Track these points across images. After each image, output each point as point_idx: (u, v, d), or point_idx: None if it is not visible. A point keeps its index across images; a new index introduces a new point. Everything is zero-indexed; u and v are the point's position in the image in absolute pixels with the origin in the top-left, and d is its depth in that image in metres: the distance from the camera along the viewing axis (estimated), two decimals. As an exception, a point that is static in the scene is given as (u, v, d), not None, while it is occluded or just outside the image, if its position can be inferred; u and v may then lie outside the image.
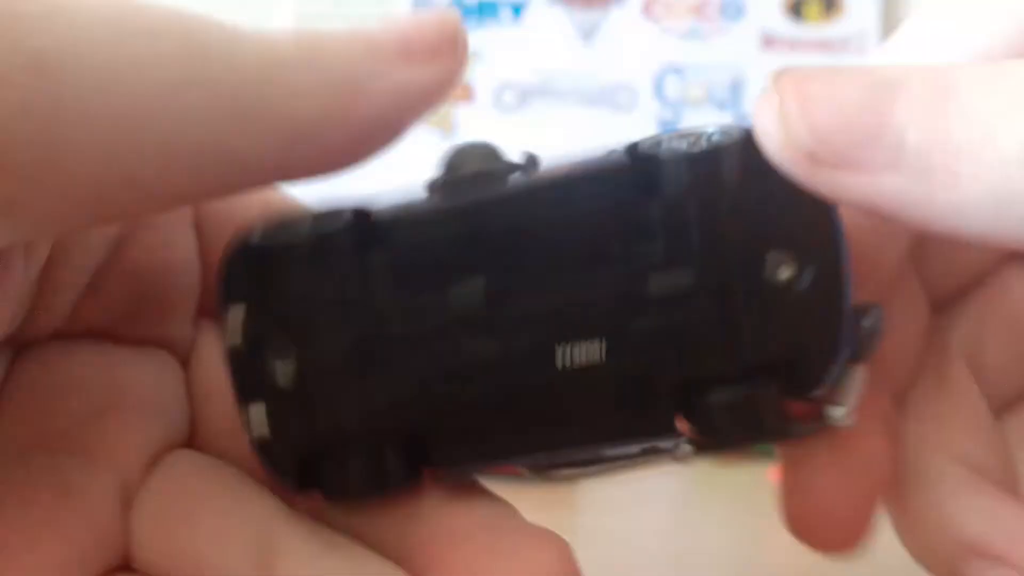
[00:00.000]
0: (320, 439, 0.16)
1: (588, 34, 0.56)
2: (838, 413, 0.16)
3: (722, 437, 0.16)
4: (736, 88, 0.55)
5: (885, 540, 0.31)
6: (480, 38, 0.56)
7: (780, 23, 0.56)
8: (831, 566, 0.27)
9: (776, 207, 0.16)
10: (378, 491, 0.16)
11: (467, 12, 0.56)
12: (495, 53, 0.56)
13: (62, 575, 0.16)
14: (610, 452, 0.16)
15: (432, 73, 0.16)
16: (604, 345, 0.15)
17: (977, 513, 0.19)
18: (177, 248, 0.18)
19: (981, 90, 0.14)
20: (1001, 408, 0.20)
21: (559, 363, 0.15)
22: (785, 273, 0.16)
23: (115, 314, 0.17)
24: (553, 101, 0.56)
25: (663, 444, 0.16)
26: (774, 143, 0.15)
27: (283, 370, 0.16)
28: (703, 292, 0.15)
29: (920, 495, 0.19)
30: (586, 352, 0.15)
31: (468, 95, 0.56)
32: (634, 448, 0.16)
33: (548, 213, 0.16)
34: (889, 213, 0.14)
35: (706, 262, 0.15)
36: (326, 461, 0.16)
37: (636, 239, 0.16)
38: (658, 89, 0.56)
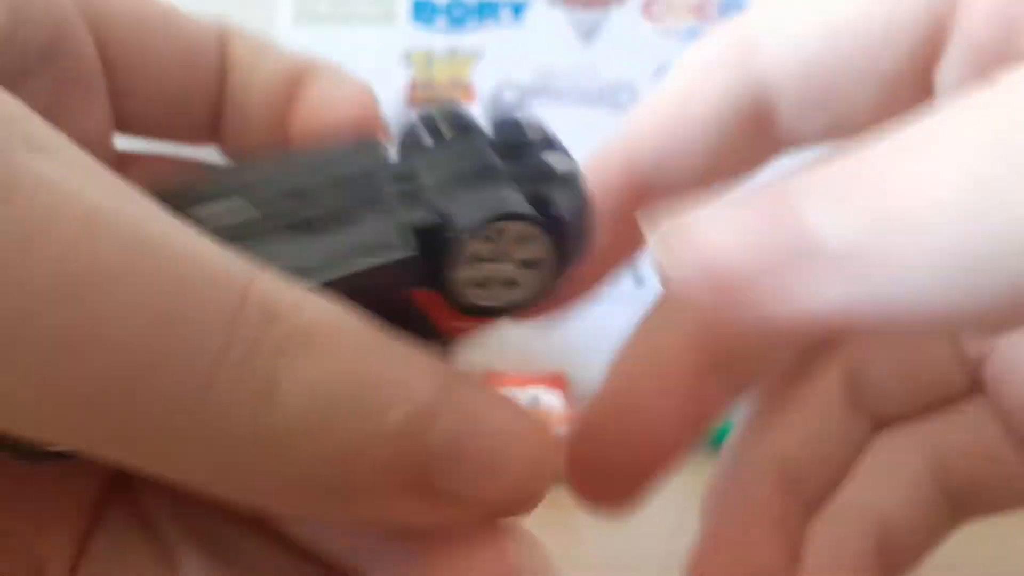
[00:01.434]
0: None
1: (588, 34, 0.56)
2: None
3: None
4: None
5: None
6: (480, 38, 0.56)
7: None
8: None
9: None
10: None
11: (467, 12, 0.56)
12: (495, 53, 0.56)
13: None
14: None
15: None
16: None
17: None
18: (92, 120, 0.18)
19: (895, 158, 0.12)
20: (879, 424, 0.20)
21: None
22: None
23: None
24: (553, 101, 0.56)
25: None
26: (678, 287, 0.14)
27: None
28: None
29: (726, 476, 0.20)
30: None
31: (469, 95, 0.56)
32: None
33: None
34: (840, 327, 0.13)
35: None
36: None
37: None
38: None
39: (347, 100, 0.21)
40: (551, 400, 0.48)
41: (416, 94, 0.56)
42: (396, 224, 0.15)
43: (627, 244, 0.18)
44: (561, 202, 0.15)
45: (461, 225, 0.14)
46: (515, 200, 0.15)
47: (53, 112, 0.17)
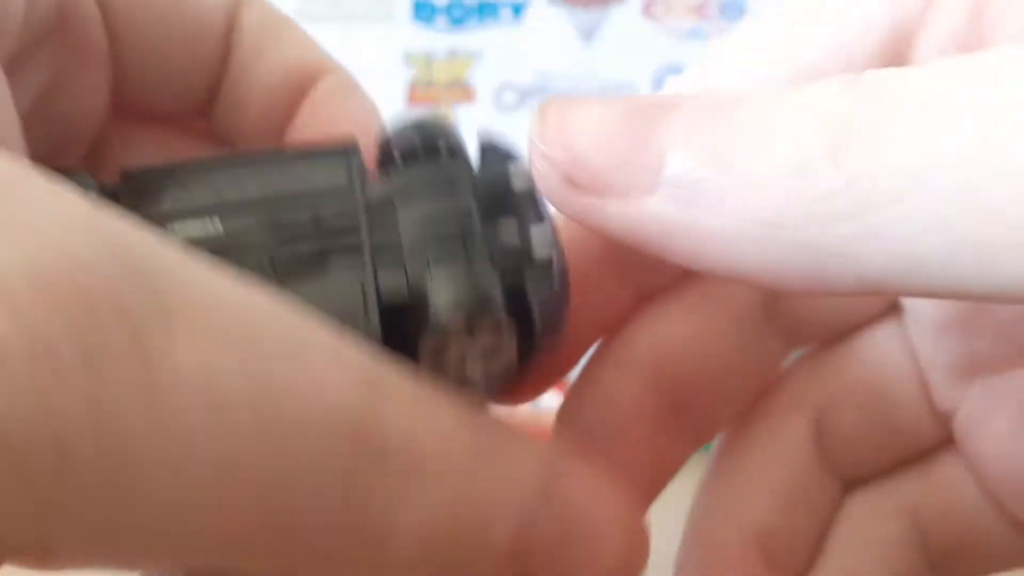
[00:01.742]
0: None
1: (588, 34, 0.56)
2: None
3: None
4: (736, 88, 0.55)
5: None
6: (480, 38, 0.56)
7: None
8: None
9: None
10: None
11: (467, 12, 0.56)
12: (495, 53, 0.56)
13: None
14: None
15: None
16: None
17: None
18: (95, 90, 0.18)
19: (759, 104, 0.12)
20: (851, 482, 0.19)
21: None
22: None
23: (39, 158, 0.18)
24: (553, 101, 0.56)
25: None
26: (535, 169, 0.14)
27: None
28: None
29: (694, 547, 0.19)
30: None
31: (468, 95, 0.56)
32: None
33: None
34: (653, 245, 0.13)
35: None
36: None
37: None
38: (658, 89, 0.56)
39: (351, 118, 0.20)
40: (551, 400, 0.48)
41: (416, 94, 0.56)
42: (364, 290, 0.14)
43: (609, 315, 0.18)
44: (535, 296, 0.15)
45: (435, 319, 0.14)
46: (491, 291, 0.14)
47: (59, 82, 0.17)
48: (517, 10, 0.56)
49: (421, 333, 0.14)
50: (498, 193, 0.16)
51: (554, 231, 0.15)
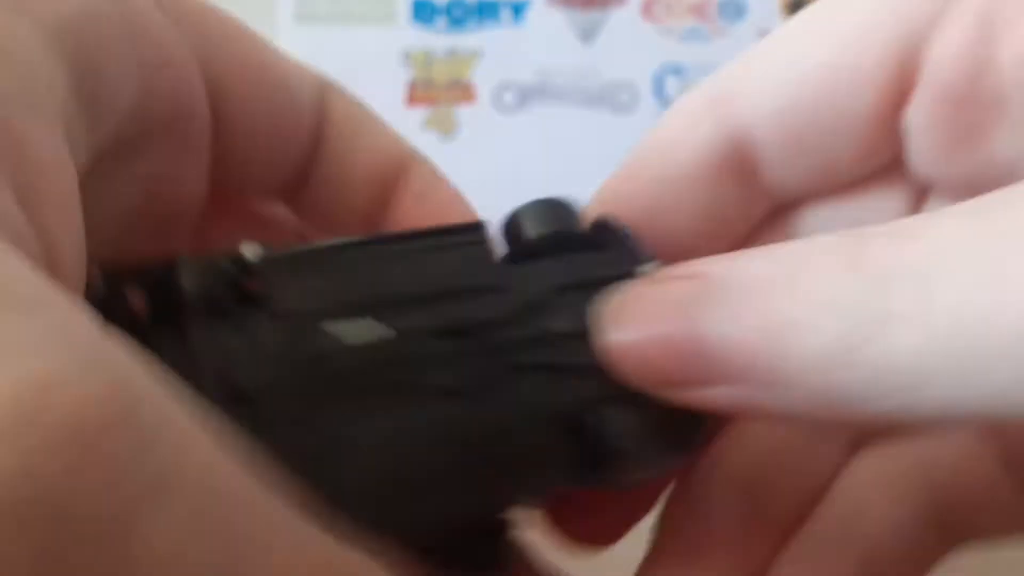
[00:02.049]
0: None
1: (588, 35, 0.56)
2: None
3: (634, 455, 0.16)
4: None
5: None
6: (480, 39, 0.56)
7: (780, 23, 0.56)
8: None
9: None
10: None
11: (467, 12, 0.56)
12: (495, 53, 0.56)
13: None
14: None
15: None
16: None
17: None
18: (198, 180, 0.18)
19: (780, 293, 0.14)
20: (858, 442, 0.19)
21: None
22: None
23: (145, 246, 0.18)
24: (553, 101, 0.56)
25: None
26: (631, 379, 0.15)
27: None
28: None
29: None
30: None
31: (469, 96, 0.56)
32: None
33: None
34: (749, 415, 0.15)
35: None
36: None
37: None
38: (658, 89, 0.56)
39: (443, 207, 0.21)
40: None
41: (415, 94, 0.56)
42: (550, 413, 0.15)
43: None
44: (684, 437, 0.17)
45: (621, 451, 0.16)
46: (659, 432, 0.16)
47: (167, 174, 0.17)
48: (517, 10, 0.56)
49: (608, 459, 0.16)
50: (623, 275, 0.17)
51: None
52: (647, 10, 0.56)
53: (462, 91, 0.56)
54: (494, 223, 0.18)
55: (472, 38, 0.56)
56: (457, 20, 0.56)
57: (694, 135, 0.19)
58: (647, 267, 0.17)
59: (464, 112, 0.56)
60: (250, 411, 0.14)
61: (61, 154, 0.13)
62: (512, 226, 0.18)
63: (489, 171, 0.56)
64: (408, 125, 0.57)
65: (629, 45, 0.55)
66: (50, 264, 0.12)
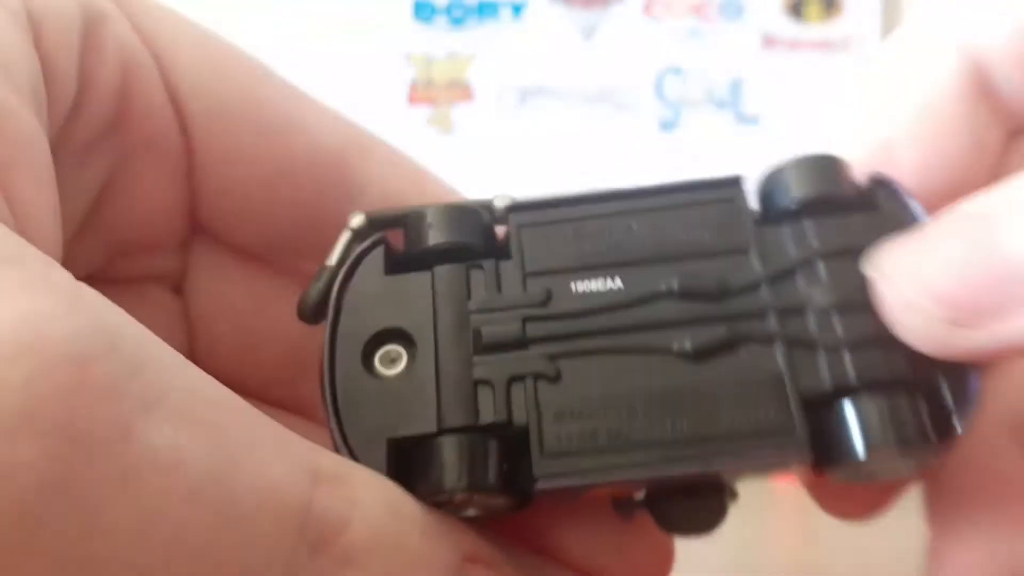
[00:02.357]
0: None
1: (588, 34, 0.56)
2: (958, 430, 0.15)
3: (871, 438, 0.15)
4: (736, 88, 0.55)
5: (878, 543, 0.31)
6: (480, 38, 0.56)
7: (780, 23, 0.56)
8: (829, 566, 0.28)
9: None
10: (474, 487, 0.15)
11: (467, 12, 0.56)
12: (495, 53, 0.56)
13: None
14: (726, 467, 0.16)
15: None
16: (738, 344, 0.15)
17: None
18: (162, 193, 0.18)
19: None
20: None
21: (685, 350, 0.15)
22: None
23: (103, 257, 0.17)
24: (553, 100, 0.56)
25: (788, 458, 0.15)
26: (913, 331, 0.14)
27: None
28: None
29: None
30: (714, 340, 0.15)
31: (469, 95, 0.56)
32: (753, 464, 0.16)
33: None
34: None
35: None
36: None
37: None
38: (658, 89, 0.56)
39: (410, 174, 0.21)
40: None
41: (416, 93, 0.56)
42: (794, 403, 0.15)
43: None
44: (958, 416, 0.15)
45: (854, 452, 0.15)
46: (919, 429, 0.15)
47: (123, 179, 0.17)
48: (517, 10, 0.56)
49: (841, 458, 0.15)
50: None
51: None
52: (647, 9, 0.56)
53: (462, 90, 0.56)
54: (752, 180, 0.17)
55: (472, 38, 0.56)
56: (457, 20, 0.56)
57: (939, 66, 0.18)
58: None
59: (464, 111, 0.56)
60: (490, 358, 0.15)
61: (36, 128, 0.13)
62: (771, 184, 0.17)
63: (489, 169, 0.57)
64: (410, 124, 0.57)
65: (629, 44, 0.56)
66: (22, 234, 0.13)
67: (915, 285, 0.14)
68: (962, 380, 0.15)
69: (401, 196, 0.19)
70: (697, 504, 0.16)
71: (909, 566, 0.23)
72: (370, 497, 0.14)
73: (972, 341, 0.14)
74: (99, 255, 0.17)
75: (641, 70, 0.56)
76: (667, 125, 0.55)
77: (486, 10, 0.56)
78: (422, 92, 0.56)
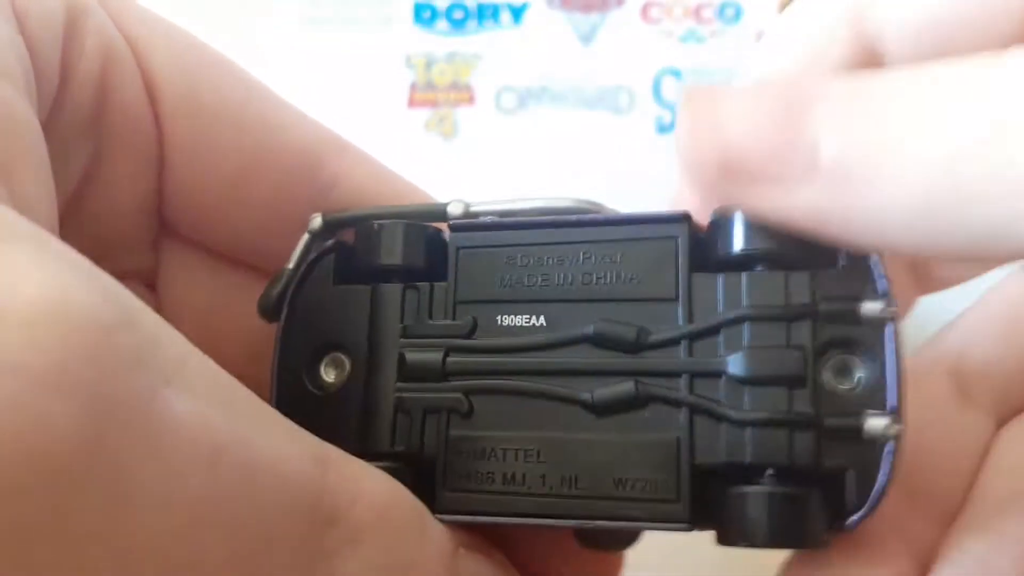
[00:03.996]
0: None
1: (587, 37, 0.56)
2: (854, 520, 0.15)
3: (751, 532, 0.15)
4: (734, 90, 0.55)
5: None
6: (480, 41, 0.56)
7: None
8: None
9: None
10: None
11: (467, 15, 0.56)
12: (495, 56, 0.56)
13: None
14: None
15: None
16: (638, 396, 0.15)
17: None
18: (133, 193, 0.18)
19: (906, 93, 0.13)
20: (1001, 419, 0.19)
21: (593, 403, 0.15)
22: (845, 383, 0.15)
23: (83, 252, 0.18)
24: (553, 103, 0.56)
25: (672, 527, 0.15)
26: (687, 155, 0.14)
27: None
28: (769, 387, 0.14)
29: None
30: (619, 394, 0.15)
31: (469, 98, 0.56)
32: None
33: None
34: (809, 227, 0.14)
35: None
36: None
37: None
38: (656, 91, 0.56)
39: (379, 175, 0.21)
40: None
41: (416, 96, 0.56)
42: (679, 451, 0.14)
43: None
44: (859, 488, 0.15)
45: (741, 534, 0.15)
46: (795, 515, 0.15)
47: (100, 174, 0.17)
48: (517, 13, 0.56)
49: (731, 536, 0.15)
50: (846, 339, 0.15)
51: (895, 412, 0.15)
52: (645, 13, 0.56)
53: (462, 93, 0.56)
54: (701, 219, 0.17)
55: (472, 40, 0.56)
56: (457, 23, 0.56)
57: (832, 50, 0.19)
58: (874, 305, 0.15)
59: (464, 114, 0.56)
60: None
61: (33, 120, 0.14)
62: (717, 228, 0.16)
63: (489, 172, 0.57)
64: (409, 127, 0.57)
65: (627, 48, 0.56)
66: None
67: (712, 124, 0.14)
68: (870, 474, 0.15)
69: (371, 195, 0.19)
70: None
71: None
72: (373, 482, 0.14)
73: (761, 196, 0.14)
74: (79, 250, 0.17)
75: (640, 72, 0.56)
76: (665, 127, 0.55)
77: (486, 13, 0.56)
78: (422, 94, 0.56)
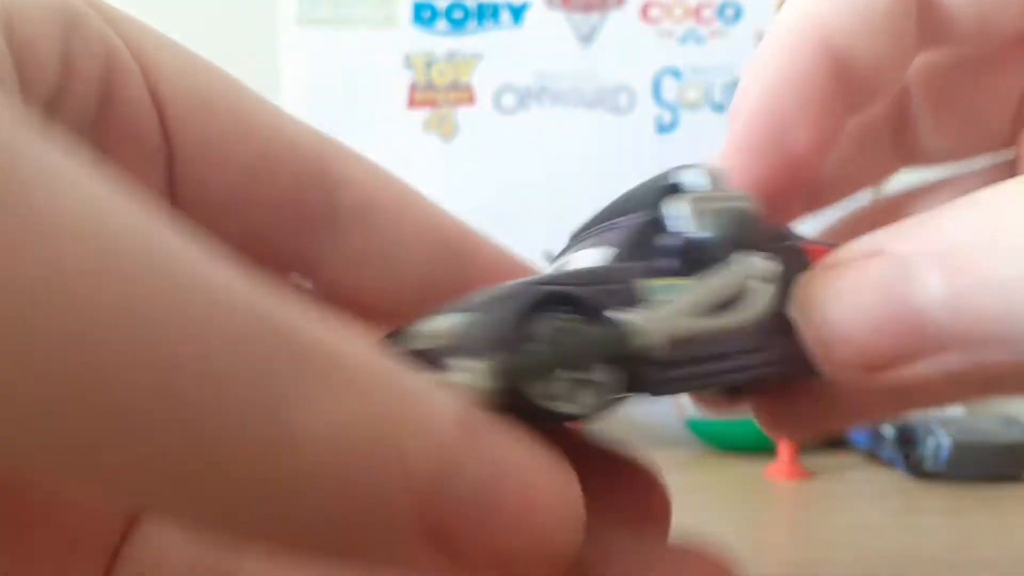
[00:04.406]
0: None
1: (587, 37, 0.56)
2: None
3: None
4: (733, 90, 0.56)
5: (877, 537, 0.31)
6: (480, 41, 0.56)
7: (777, 26, 0.56)
8: (824, 561, 0.28)
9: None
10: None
11: (467, 15, 0.56)
12: (495, 56, 0.56)
13: None
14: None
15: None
16: None
17: None
18: (143, 189, 0.18)
19: (988, 255, 0.14)
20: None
21: None
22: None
23: None
24: (553, 103, 0.56)
25: None
26: (833, 372, 0.15)
27: None
28: None
29: None
30: None
31: (469, 98, 0.56)
32: None
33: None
34: (958, 383, 0.15)
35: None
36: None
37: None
38: (656, 92, 0.56)
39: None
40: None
41: (416, 96, 0.56)
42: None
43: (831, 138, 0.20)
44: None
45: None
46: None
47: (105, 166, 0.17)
48: (517, 14, 0.56)
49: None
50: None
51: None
52: (644, 13, 0.56)
53: (462, 93, 0.56)
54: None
55: (472, 41, 0.56)
56: (457, 23, 0.56)
57: (796, 49, 0.20)
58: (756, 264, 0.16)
59: (464, 114, 0.56)
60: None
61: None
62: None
63: (489, 172, 0.57)
64: (409, 127, 0.58)
65: (627, 48, 0.56)
66: None
67: (831, 332, 0.15)
68: None
69: (378, 198, 0.19)
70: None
71: (903, 561, 0.23)
72: (360, 340, 0.12)
73: (884, 381, 0.15)
74: None
75: (639, 73, 0.56)
76: (664, 127, 0.56)
77: (486, 13, 0.56)
78: (422, 94, 0.56)
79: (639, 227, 0.17)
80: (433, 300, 0.19)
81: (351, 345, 0.12)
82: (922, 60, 0.20)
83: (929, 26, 0.20)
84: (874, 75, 0.20)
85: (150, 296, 0.10)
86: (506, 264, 0.20)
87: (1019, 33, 0.19)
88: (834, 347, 0.15)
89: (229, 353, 0.10)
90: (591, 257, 0.17)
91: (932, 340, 0.14)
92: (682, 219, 0.17)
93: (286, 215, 0.19)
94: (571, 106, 0.56)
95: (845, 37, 0.19)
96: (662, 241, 0.16)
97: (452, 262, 0.20)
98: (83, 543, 0.16)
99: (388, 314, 0.20)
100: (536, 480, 0.13)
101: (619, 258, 0.16)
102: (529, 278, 0.15)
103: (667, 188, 0.18)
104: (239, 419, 0.10)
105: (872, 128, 0.22)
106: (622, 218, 0.18)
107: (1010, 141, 0.21)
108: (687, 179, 0.17)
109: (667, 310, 0.15)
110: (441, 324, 0.15)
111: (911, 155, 0.21)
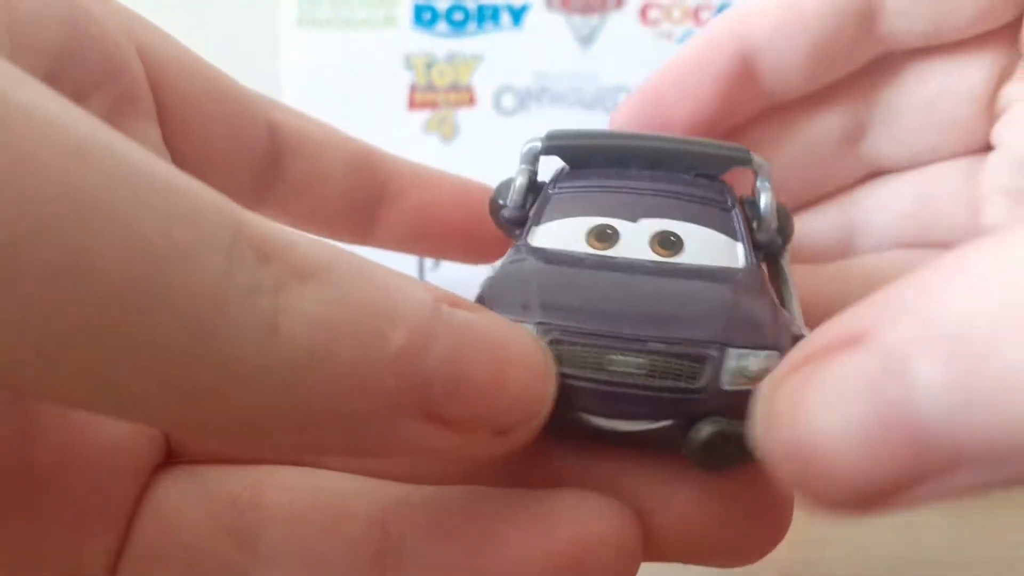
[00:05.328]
0: None
1: (586, 39, 0.56)
2: None
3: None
4: (733, 92, 0.56)
5: (874, 537, 0.31)
6: (481, 43, 0.56)
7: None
8: (820, 561, 0.28)
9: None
10: None
11: (467, 17, 0.56)
12: (495, 57, 0.56)
13: None
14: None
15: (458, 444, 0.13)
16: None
17: None
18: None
19: (1003, 336, 0.10)
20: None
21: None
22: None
23: None
24: (552, 104, 0.56)
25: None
26: (817, 504, 0.12)
27: None
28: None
29: None
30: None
31: (470, 99, 0.56)
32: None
33: None
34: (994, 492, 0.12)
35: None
36: None
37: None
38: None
39: (450, 200, 0.24)
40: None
41: (416, 97, 0.56)
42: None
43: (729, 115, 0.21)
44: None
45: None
46: None
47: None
48: (517, 15, 0.56)
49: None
50: None
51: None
52: (644, 15, 0.56)
53: (462, 94, 0.56)
54: None
55: (472, 42, 0.56)
56: (457, 24, 0.56)
57: (714, 49, 0.22)
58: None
59: (465, 115, 0.56)
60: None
61: None
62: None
63: (489, 173, 0.57)
64: (409, 128, 0.58)
65: (626, 50, 0.56)
66: None
67: (807, 458, 0.11)
68: None
69: (305, 130, 0.22)
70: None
71: (901, 561, 0.23)
72: (309, 238, 0.13)
73: (880, 511, 0.12)
74: None
75: (638, 75, 0.56)
76: (665, 129, 0.56)
77: (486, 15, 0.56)
78: (422, 96, 0.56)
79: (743, 219, 0.20)
80: (355, 212, 0.22)
81: (319, 245, 0.13)
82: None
83: (876, 35, 0.20)
84: (783, 78, 0.21)
85: (124, 189, 0.10)
86: (420, 173, 0.25)
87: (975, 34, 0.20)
88: (814, 478, 0.11)
89: (201, 245, 0.11)
90: (710, 242, 0.20)
91: (938, 456, 0.11)
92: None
93: (244, 161, 0.21)
94: (571, 107, 0.56)
95: (761, 40, 0.21)
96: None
97: (370, 173, 0.23)
98: (95, 515, 0.16)
99: (321, 231, 0.22)
100: (502, 339, 0.14)
101: (748, 260, 0.19)
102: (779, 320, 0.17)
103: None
104: (212, 303, 0.11)
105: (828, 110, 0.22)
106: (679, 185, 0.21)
107: (982, 141, 0.21)
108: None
109: None
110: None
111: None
